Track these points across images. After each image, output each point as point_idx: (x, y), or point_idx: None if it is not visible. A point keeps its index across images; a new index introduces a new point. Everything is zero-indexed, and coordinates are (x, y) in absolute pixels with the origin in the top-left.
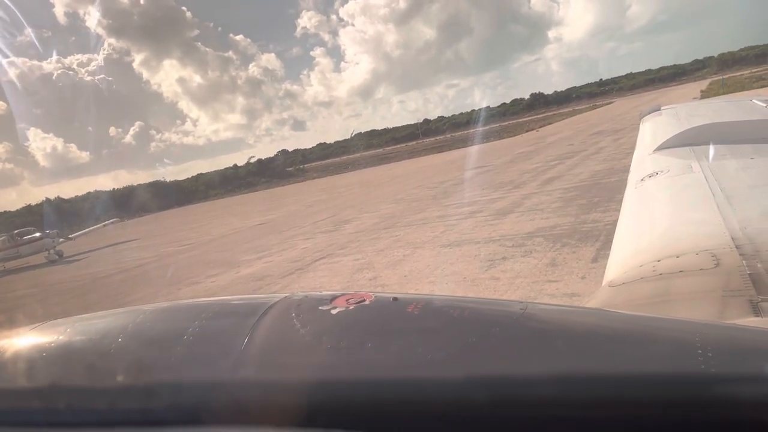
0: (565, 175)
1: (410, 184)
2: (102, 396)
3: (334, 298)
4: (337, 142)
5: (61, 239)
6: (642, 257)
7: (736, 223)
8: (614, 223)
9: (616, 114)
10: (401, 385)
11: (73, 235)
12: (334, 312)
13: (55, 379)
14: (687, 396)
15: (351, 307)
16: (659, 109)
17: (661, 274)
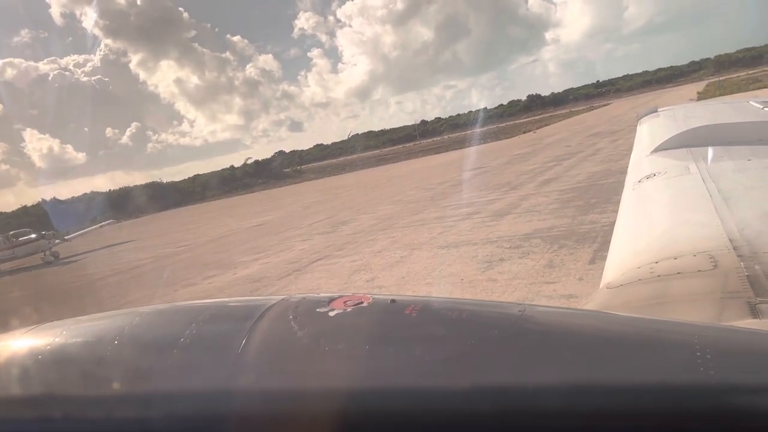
0: (563, 177)
1: (408, 186)
2: (97, 401)
3: (331, 300)
4: (334, 144)
5: (57, 240)
6: (640, 259)
7: (733, 225)
8: (611, 225)
9: (613, 115)
10: (399, 389)
11: (69, 236)
12: (331, 314)
13: (50, 384)
14: (686, 398)
15: (349, 309)
16: (656, 111)
17: (659, 275)
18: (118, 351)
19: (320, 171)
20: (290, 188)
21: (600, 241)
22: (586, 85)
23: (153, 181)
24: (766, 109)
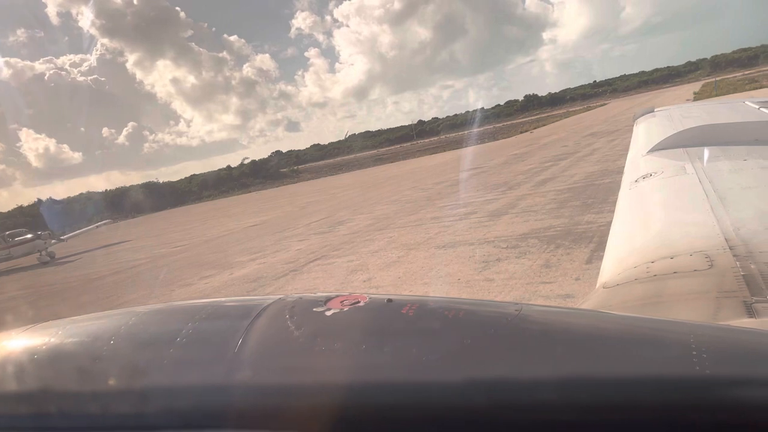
0: (559, 177)
1: (404, 186)
2: (94, 400)
3: (328, 299)
4: (331, 143)
5: (53, 240)
6: (636, 258)
7: (729, 225)
8: (608, 225)
9: (610, 115)
10: (396, 388)
11: (65, 236)
12: (328, 314)
13: (46, 383)
14: (681, 397)
15: (345, 309)
16: (653, 111)
17: (655, 275)
18: (114, 350)
19: (317, 171)
20: (287, 188)
21: (597, 241)
22: (582, 85)
23: (149, 181)
24: (762, 109)
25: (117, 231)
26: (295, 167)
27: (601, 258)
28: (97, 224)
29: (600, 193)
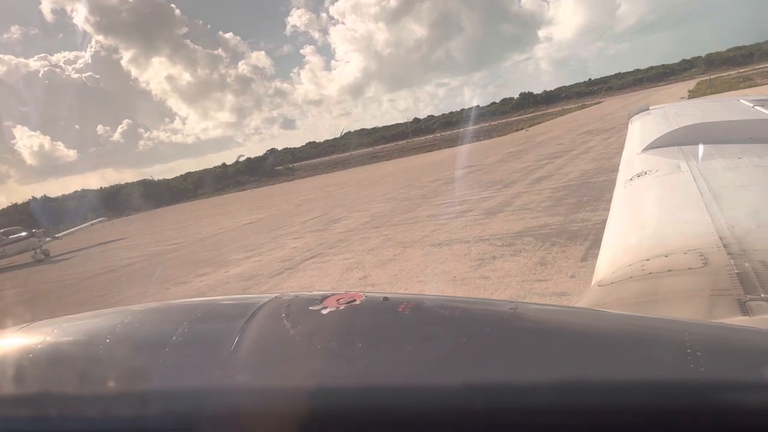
0: (555, 175)
1: (400, 183)
2: (89, 400)
3: (324, 298)
4: (326, 141)
5: (48, 238)
6: (631, 256)
7: (724, 223)
8: (603, 222)
9: (605, 113)
10: (392, 387)
11: (60, 234)
12: (324, 312)
13: (41, 382)
14: (676, 396)
15: (341, 308)
16: (648, 109)
17: (650, 273)
18: (109, 349)
19: (313, 169)
20: (282, 186)
21: (592, 239)
22: (578, 83)
23: (144, 179)
24: (756, 107)
25: (112, 229)
26: (291, 165)
27: (596, 256)
28: (91, 222)
29: (595, 191)
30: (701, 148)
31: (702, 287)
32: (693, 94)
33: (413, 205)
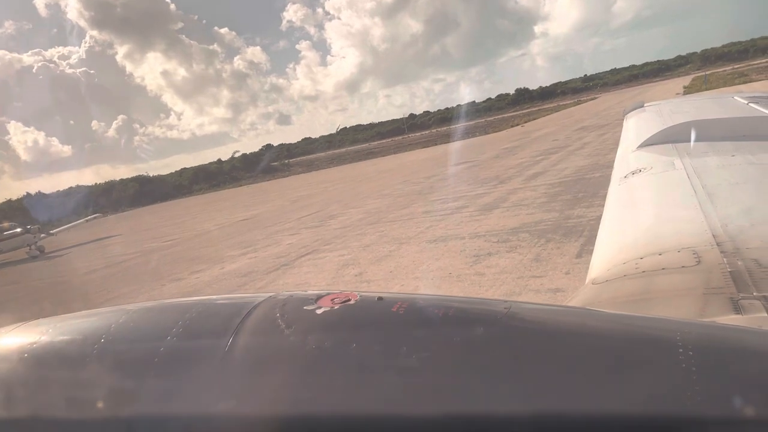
0: (550, 171)
1: (396, 180)
2: (83, 399)
3: (319, 297)
4: (322, 137)
5: (43, 235)
6: (625, 255)
7: (717, 221)
8: (598, 219)
9: (601, 109)
10: (386, 386)
11: (55, 230)
12: (319, 312)
13: (35, 381)
14: (668, 394)
15: (336, 307)
16: (642, 106)
17: (643, 271)
18: (104, 349)
19: (308, 165)
20: (278, 182)
21: (587, 235)
22: (573, 79)
23: (139, 175)
24: (750, 104)
25: (107, 225)
26: (286, 161)
27: (590, 252)
28: (86, 218)
29: (590, 188)
30: (695, 145)
31: (695, 286)
32: (688, 90)
33: (409, 201)
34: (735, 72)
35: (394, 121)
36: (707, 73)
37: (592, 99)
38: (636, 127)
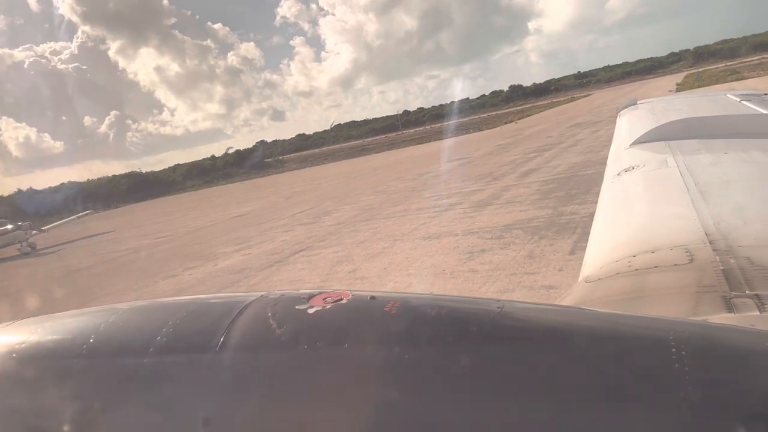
0: (544, 168)
1: (390, 176)
2: (73, 399)
3: (311, 296)
4: (316, 133)
5: (34, 231)
6: (618, 252)
7: (709, 219)
8: (591, 215)
9: (594, 106)
10: (379, 385)
11: (47, 227)
12: (310, 311)
13: (24, 382)
14: (661, 394)
15: (328, 306)
16: (636, 103)
17: (636, 269)
18: (93, 349)
19: (302, 161)
20: (272, 178)
21: (580, 232)
22: (567, 76)
23: (132, 171)
24: (743, 102)
25: (99, 221)
26: (280, 157)
27: (583, 249)
28: (78, 215)
29: (583, 184)
30: (688, 143)
31: (688, 284)
32: (681, 87)
33: (402, 198)
34: (728, 69)
35: (388, 117)
36: (700, 70)
37: (586, 96)
38: (629, 124)
